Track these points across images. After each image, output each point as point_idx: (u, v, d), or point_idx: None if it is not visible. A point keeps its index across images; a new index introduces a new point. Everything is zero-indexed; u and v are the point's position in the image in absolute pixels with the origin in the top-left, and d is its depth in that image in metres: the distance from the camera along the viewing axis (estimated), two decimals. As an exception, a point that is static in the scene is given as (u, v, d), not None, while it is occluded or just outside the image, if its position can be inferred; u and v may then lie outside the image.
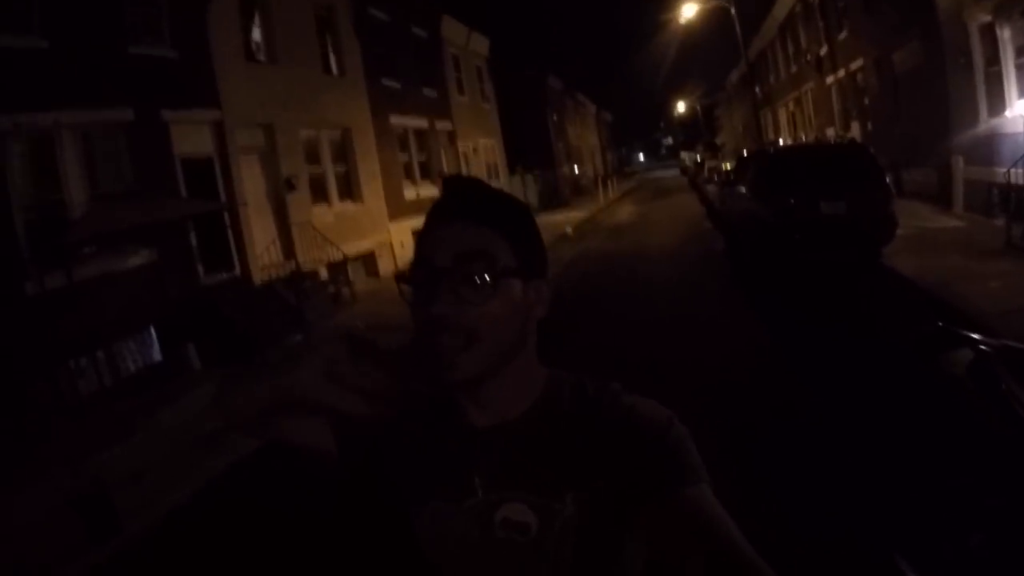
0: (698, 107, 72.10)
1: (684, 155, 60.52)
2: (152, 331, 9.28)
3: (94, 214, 8.81)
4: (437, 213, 0.96)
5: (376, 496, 1.00)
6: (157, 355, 9.30)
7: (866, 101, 19.80)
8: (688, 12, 25.37)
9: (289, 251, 13.20)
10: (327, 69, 15.98)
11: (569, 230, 21.51)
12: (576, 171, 44.15)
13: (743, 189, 11.66)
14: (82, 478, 5.20)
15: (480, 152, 26.07)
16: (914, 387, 5.03)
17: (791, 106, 30.16)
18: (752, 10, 26.33)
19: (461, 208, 0.95)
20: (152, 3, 10.47)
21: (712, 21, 28.14)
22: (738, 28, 23.08)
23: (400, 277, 0.96)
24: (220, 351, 9.38)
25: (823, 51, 22.82)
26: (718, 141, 60.03)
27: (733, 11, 22.93)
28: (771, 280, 9.92)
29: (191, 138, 11.04)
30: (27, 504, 5.41)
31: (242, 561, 4.15)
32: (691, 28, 31.70)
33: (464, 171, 23.30)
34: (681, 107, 78.64)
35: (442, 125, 22.37)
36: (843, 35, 20.65)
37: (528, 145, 32.07)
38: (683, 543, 0.85)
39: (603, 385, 1.01)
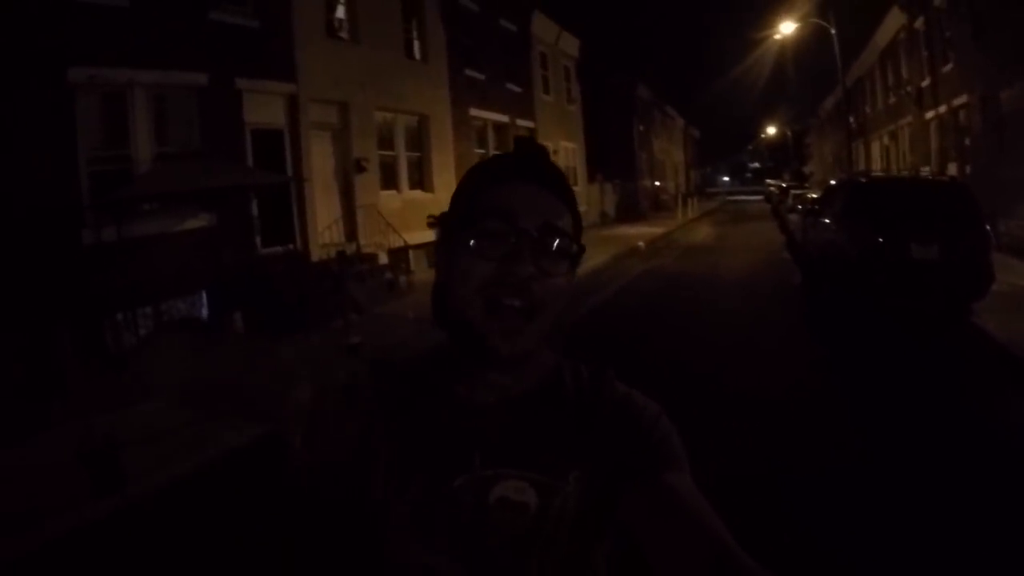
0: (788, 132, 70.19)
1: (770, 183, 58.70)
2: (203, 294, 9.31)
3: (158, 173, 8.88)
4: (514, 169, 0.93)
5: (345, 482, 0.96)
6: (204, 318, 9.32)
7: (967, 141, 18.61)
8: (786, 29, 24.49)
9: (352, 233, 13.16)
10: (409, 54, 15.91)
11: (641, 244, 20.96)
12: (657, 185, 43.37)
13: (828, 220, 10.90)
14: (96, 433, 5.15)
15: (561, 155, 25.69)
16: (998, 469, 4.49)
17: (885, 140, 28.79)
18: (852, 34, 25.20)
19: (541, 174, 0.93)
20: (238, -29, 10.52)
21: (809, 43, 27.15)
22: (837, 50, 22.07)
23: (447, 220, 0.95)
24: (266, 322, 9.35)
25: (925, 83, 21.63)
26: (806, 170, 58.33)
27: (833, 31, 21.98)
28: (848, 322, 9.26)
29: (263, 108, 11.08)
30: (40, 453, 5.41)
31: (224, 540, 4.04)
32: (787, 49, 30.74)
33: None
34: (771, 130, 76.66)
35: (523, 123, 22.11)
36: (948, 68, 19.46)
37: (610, 153, 31.55)
38: (665, 525, 0.84)
39: (599, 371, 1.01)
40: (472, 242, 0.88)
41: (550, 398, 0.96)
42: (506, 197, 0.89)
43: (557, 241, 0.89)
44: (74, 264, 8.02)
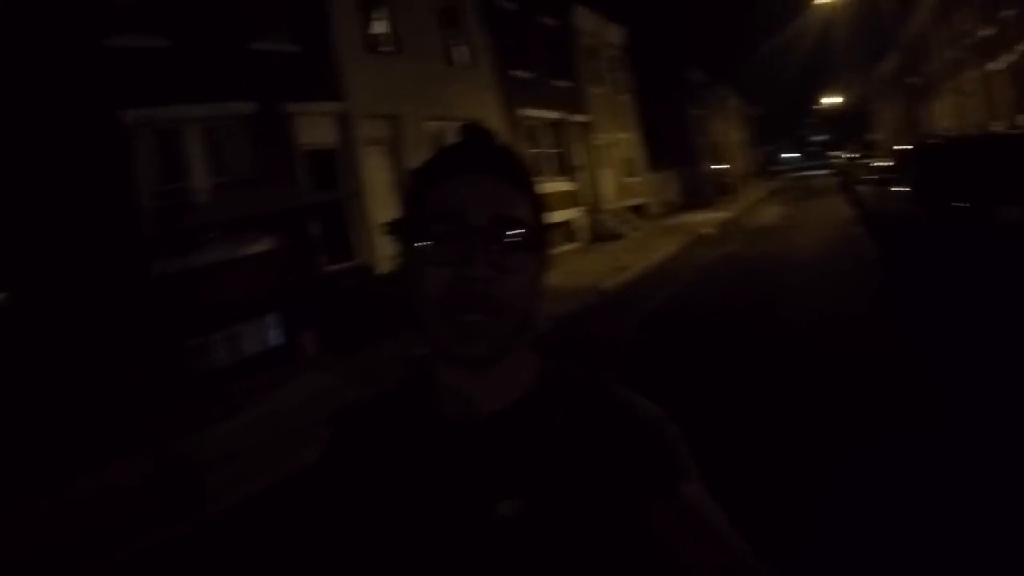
0: (850, 101, 67.69)
1: (835, 155, 56.59)
2: (271, 316, 9.45)
3: (216, 202, 9.10)
4: (460, 161, 0.88)
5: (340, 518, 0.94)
6: (275, 339, 9.48)
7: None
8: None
9: (413, 243, 13.20)
10: (453, 60, 15.95)
11: (711, 230, 20.45)
12: (719, 168, 42.46)
13: (900, 188, 10.00)
14: (174, 456, 5.29)
15: (618, 146, 25.32)
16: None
17: (951, 96, 27.32)
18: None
19: (489, 162, 0.88)
20: (273, -1, 10.75)
21: (861, 5, 26.01)
22: (891, 9, 21.11)
23: (399, 227, 0.89)
24: (337, 339, 9.47)
25: (987, 33, 20.43)
26: (873, 137, 56.26)
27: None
28: (936, 297, 8.25)
29: (314, 129, 11.23)
30: (120, 475, 5.62)
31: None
32: (841, 13, 29.64)
33: (602, 166, 22.66)
34: (832, 100, 74.01)
35: (577, 117, 21.78)
36: (1014, 12, 18.31)
37: (668, 140, 30.90)
38: (681, 539, 0.79)
39: (594, 376, 0.95)
40: (422, 249, 0.84)
41: (541, 407, 0.91)
42: (452, 194, 0.85)
43: (512, 232, 0.84)
44: (143, 296, 8.24)
